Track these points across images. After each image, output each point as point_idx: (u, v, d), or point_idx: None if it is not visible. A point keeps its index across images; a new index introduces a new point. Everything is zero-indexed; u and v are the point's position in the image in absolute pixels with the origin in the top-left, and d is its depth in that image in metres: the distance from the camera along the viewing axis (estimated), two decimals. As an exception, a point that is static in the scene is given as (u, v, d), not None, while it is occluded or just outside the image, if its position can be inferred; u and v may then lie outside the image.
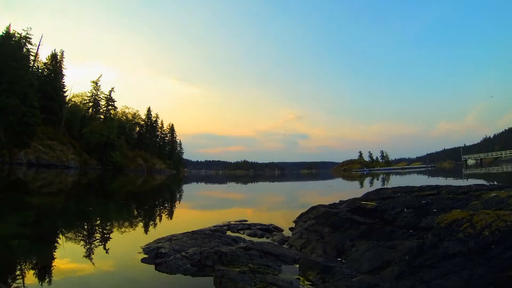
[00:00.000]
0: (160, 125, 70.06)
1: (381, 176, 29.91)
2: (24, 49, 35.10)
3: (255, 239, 3.94)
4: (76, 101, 49.98)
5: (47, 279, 2.45)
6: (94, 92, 49.58)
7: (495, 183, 5.93)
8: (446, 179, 15.25)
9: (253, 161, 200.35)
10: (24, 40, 35.39)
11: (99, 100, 49.82)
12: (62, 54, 42.39)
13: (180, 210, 7.23)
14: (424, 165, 68.36)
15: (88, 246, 3.46)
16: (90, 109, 49.54)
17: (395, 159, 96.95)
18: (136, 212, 6.79)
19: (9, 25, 32.98)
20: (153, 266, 2.77)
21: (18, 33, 34.13)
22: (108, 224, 4.94)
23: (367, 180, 20.84)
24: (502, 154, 51.35)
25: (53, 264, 2.81)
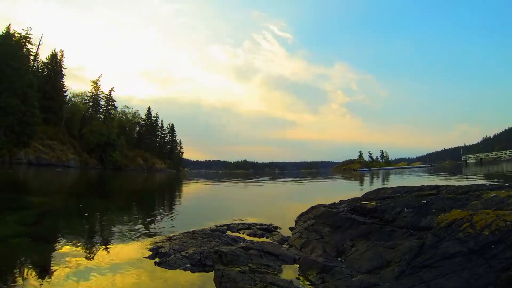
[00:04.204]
0: (160, 125, 70.14)
1: (381, 175, 29.95)
2: (24, 49, 35.08)
3: (255, 239, 3.95)
4: (76, 100, 49.97)
5: (47, 279, 2.45)
6: (94, 92, 49.61)
7: (495, 182, 5.93)
8: (446, 179, 15.25)
9: (253, 161, 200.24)
10: (24, 40, 35.40)
11: (99, 100, 49.87)
12: (62, 54, 42.39)
13: (180, 209, 7.22)
14: (424, 165, 68.31)
15: (88, 246, 3.46)
16: (90, 109, 49.57)
17: (395, 158, 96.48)
18: (135, 211, 6.79)
19: (9, 25, 32.97)
20: (153, 266, 2.77)
21: (18, 33, 34.12)
22: (108, 223, 4.93)
23: (367, 180, 20.83)
24: (502, 154, 51.27)
25: (53, 263, 2.81)
